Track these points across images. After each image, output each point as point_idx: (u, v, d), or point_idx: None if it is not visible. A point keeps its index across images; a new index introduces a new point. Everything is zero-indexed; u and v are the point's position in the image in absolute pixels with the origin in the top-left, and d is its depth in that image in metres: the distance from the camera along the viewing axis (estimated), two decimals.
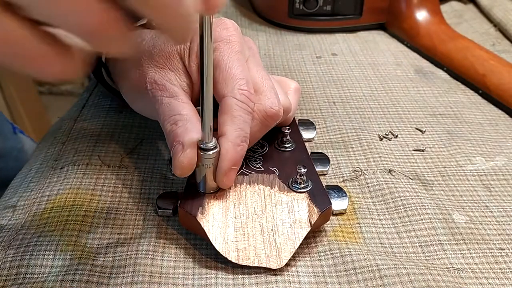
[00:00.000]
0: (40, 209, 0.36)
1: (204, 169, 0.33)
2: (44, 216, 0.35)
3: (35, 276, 0.31)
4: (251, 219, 0.33)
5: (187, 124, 0.32)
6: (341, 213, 0.37)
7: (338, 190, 0.37)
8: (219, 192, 0.34)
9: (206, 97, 0.30)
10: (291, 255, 0.31)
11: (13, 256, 0.32)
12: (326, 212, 0.33)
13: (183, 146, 0.32)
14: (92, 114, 0.47)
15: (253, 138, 0.35)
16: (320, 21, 0.66)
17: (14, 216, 0.36)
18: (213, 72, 0.31)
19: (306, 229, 0.32)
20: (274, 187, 0.35)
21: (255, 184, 0.35)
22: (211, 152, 0.32)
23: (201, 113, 0.31)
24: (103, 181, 0.39)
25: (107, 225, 0.35)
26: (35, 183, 0.40)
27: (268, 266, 0.31)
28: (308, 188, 0.35)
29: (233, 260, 0.31)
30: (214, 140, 0.32)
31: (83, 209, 0.36)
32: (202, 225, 0.32)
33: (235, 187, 0.35)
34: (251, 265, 0.31)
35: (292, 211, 0.33)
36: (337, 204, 0.36)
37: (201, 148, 0.32)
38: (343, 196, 0.37)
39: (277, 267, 0.31)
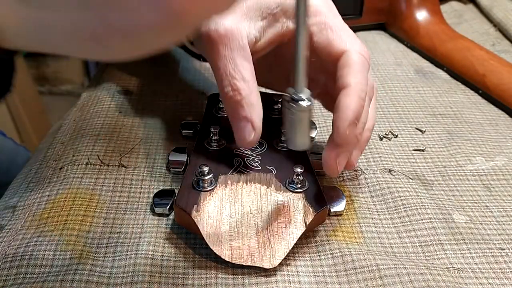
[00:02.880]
0: (40, 209, 0.36)
1: (296, 122, 0.28)
2: (44, 216, 0.35)
3: (35, 276, 0.31)
4: (246, 218, 0.33)
5: (251, 96, 0.32)
6: (338, 214, 0.37)
7: (336, 191, 0.37)
8: (215, 190, 0.34)
9: (302, 43, 0.26)
10: (285, 255, 0.31)
11: (13, 256, 0.32)
12: (321, 213, 0.33)
13: (254, 127, 0.32)
14: (91, 114, 0.47)
15: (374, 112, 0.36)
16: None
17: (14, 216, 0.36)
18: (323, 32, 0.32)
19: (301, 229, 0.32)
20: (271, 187, 0.35)
21: (252, 183, 0.35)
22: (306, 104, 0.28)
23: (295, 60, 0.27)
24: (103, 181, 0.39)
25: (107, 225, 0.35)
26: (35, 183, 0.40)
27: (261, 266, 0.31)
28: (305, 189, 0.34)
29: (226, 259, 0.31)
30: (307, 90, 0.28)
31: (83, 209, 0.36)
32: (196, 223, 0.32)
33: (231, 185, 0.35)
34: (244, 264, 0.31)
35: (288, 211, 0.33)
36: (334, 206, 0.36)
37: (293, 98, 0.28)
38: (341, 198, 0.37)
39: (270, 267, 0.31)
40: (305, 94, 0.28)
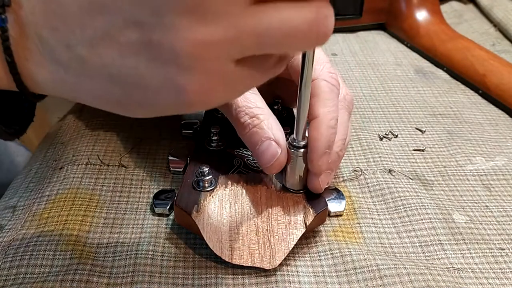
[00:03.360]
0: (40, 209, 0.36)
1: (295, 166, 0.33)
2: (44, 216, 0.35)
3: (35, 276, 0.31)
4: (246, 219, 0.33)
5: (270, 120, 0.32)
6: (338, 215, 0.37)
7: (336, 192, 0.37)
8: (215, 190, 0.34)
9: (304, 97, 0.30)
10: (285, 256, 0.31)
11: (13, 256, 0.32)
12: (321, 214, 0.33)
13: (279, 145, 0.32)
14: (91, 114, 0.47)
15: (347, 128, 0.36)
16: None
17: (14, 216, 0.36)
18: (296, 58, 0.32)
19: (301, 230, 0.32)
20: (271, 187, 0.35)
21: (252, 183, 0.35)
22: (303, 150, 0.32)
23: (297, 112, 0.31)
24: (103, 181, 0.39)
25: (107, 225, 0.35)
26: (35, 183, 0.40)
27: (261, 266, 0.31)
28: (305, 189, 0.34)
29: (227, 259, 0.31)
30: (306, 138, 0.32)
31: (83, 209, 0.36)
32: (197, 223, 0.32)
33: (231, 185, 0.35)
34: (244, 264, 0.31)
35: (288, 212, 0.33)
36: (334, 206, 0.36)
37: (293, 145, 0.32)
38: (341, 198, 0.37)
39: (270, 268, 0.31)
40: (304, 141, 0.32)
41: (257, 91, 0.34)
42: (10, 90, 0.24)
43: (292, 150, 0.32)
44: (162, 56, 0.20)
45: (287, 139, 0.33)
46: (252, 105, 0.33)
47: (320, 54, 0.35)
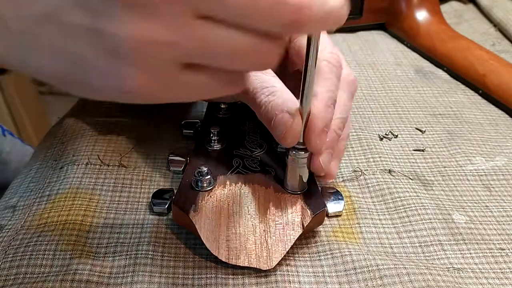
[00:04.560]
0: (39, 209, 0.36)
1: (297, 168, 0.33)
2: (44, 216, 0.35)
3: (35, 276, 0.31)
4: (243, 219, 0.33)
5: (284, 95, 0.32)
6: (337, 215, 0.37)
7: (335, 193, 0.37)
8: (213, 190, 0.34)
9: (306, 98, 0.30)
10: (282, 256, 0.31)
11: (13, 256, 0.32)
12: (319, 215, 0.33)
13: (291, 115, 0.31)
14: (91, 114, 0.47)
15: (347, 108, 0.35)
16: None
17: (14, 216, 0.36)
18: (296, 39, 0.32)
19: (298, 231, 0.32)
20: (269, 188, 0.35)
21: (250, 183, 0.35)
22: (306, 153, 0.32)
23: (300, 112, 0.31)
24: (103, 181, 0.39)
25: (107, 225, 0.35)
26: (34, 183, 0.40)
27: (258, 267, 0.31)
28: (303, 190, 0.34)
29: (223, 259, 0.31)
30: None
31: (83, 209, 0.36)
32: (194, 223, 0.32)
33: (230, 185, 0.35)
34: (241, 264, 0.31)
35: (286, 212, 0.33)
36: (333, 207, 0.36)
37: (296, 148, 0.32)
38: (339, 199, 0.37)
39: (267, 268, 0.31)
40: (304, 144, 0.32)
41: (273, 73, 0.35)
42: None
43: (294, 152, 0.33)
44: (105, 43, 0.20)
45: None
46: (268, 85, 0.33)
47: (323, 36, 0.34)
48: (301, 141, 0.32)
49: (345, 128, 0.37)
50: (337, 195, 0.37)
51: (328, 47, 0.35)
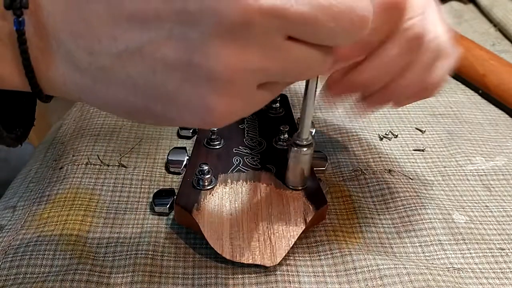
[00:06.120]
0: (40, 209, 0.36)
1: (297, 164, 0.33)
2: (44, 216, 0.35)
3: (35, 276, 0.31)
4: (246, 216, 0.33)
5: None
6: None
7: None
8: (215, 188, 0.34)
9: (310, 93, 0.29)
10: (286, 252, 0.31)
11: (13, 256, 0.32)
12: (321, 211, 0.33)
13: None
14: (91, 114, 0.47)
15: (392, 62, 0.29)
16: None
17: (14, 216, 0.36)
18: None
19: (301, 227, 0.32)
20: (271, 185, 0.35)
21: (252, 181, 0.35)
22: (307, 149, 0.33)
23: (302, 109, 0.31)
24: (103, 181, 0.39)
25: (107, 225, 0.35)
26: (34, 183, 0.40)
27: (262, 264, 0.31)
28: (304, 187, 0.35)
29: (227, 257, 0.31)
30: (310, 137, 0.33)
31: (83, 209, 0.36)
32: (197, 221, 0.32)
33: (231, 184, 0.35)
34: (245, 262, 0.31)
35: (288, 209, 0.33)
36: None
37: (296, 143, 0.32)
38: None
39: (271, 265, 0.31)
40: (307, 140, 0.32)
41: None
42: (10, 93, 0.24)
43: (295, 149, 0.33)
44: (198, 76, 0.20)
45: (289, 138, 0.34)
46: None
47: None
48: (304, 137, 0.32)
49: (407, 76, 0.30)
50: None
51: None
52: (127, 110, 0.22)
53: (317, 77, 0.29)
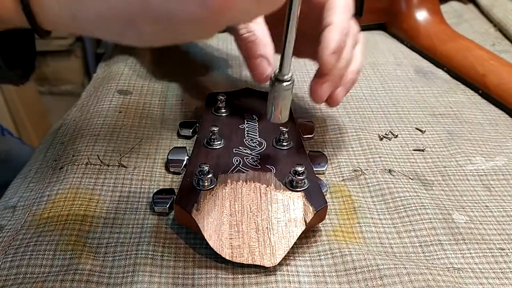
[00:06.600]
0: (39, 209, 0.36)
1: (279, 99, 0.34)
2: (44, 216, 0.35)
3: (35, 276, 0.31)
4: (246, 217, 0.33)
5: (265, 38, 0.36)
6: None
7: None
8: (215, 189, 0.34)
9: (290, 30, 0.30)
10: (285, 253, 0.31)
11: (13, 256, 0.32)
12: (321, 211, 0.33)
13: (269, 62, 0.35)
14: (91, 114, 0.47)
15: (350, 53, 0.37)
16: None
17: (14, 216, 0.36)
18: None
19: (301, 228, 0.32)
20: (270, 185, 0.35)
21: (251, 182, 0.35)
22: (289, 83, 0.33)
23: (282, 45, 0.31)
24: (103, 181, 0.39)
25: (107, 225, 0.35)
26: (34, 183, 0.40)
27: (261, 264, 0.31)
28: (304, 187, 0.35)
29: (227, 257, 0.31)
30: (291, 73, 0.33)
31: (83, 209, 0.36)
32: (197, 222, 0.32)
33: (231, 184, 0.35)
34: (244, 262, 0.31)
35: (288, 209, 0.33)
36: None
37: (277, 79, 0.33)
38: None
39: (271, 265, 0.31)
40: (288, 75, 0.33)
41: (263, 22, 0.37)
42: (9, 32, 0.24)
43: (277, 84, 0.33)
44: None
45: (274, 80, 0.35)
46: (252, 26, 0.36)
47: None
48: (285, 73, 0.33)
49: (353, 64, 0.38)
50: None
51: None
52: (123, 14, 0.21)
53: (296, 17, 0.29)
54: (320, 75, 0.36)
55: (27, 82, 0.28)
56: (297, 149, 0.38)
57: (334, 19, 0.35)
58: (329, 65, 0.35)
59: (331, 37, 0.34)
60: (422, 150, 0.44)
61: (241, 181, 0.35)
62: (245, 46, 0.36)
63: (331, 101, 0.38)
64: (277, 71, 0.33)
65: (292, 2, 0.29)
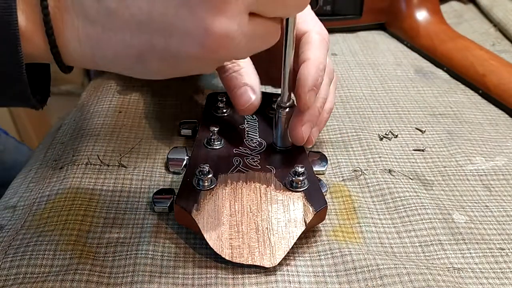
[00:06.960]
0: (40, 209, 0.36)
1: (283, 125, 0.37)
2: (44, 216, 0.35)
3: (35, 276, 0.31)
4: (246, 217, 0.33)
5: (249, 68, 0.36)
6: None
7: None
8: (215, 189, 0.34)
9: (288, 61, 0.32)
10: (285, 253, 0.31)
11: (13, 256, 0.32)
12: (321, 212, 0.33)
13: (254, 91, 0.35)
14: (91, 114, 0.47)
15: (326, 90, 0.38)
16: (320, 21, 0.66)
17: (14, 216, 0.36)
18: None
19: (301, 228, 0.32)
20: (270, 186, 0.35)
21: (251, 182, 0.35)
22: (289, 110, 0.36)
23: (282, 76, 0.34)
24: (103, 181, 0.39)
25: (107, 225, 0.35)
26: (34, 183, 0.40)
27: (261, 264, 0.31)
28: (304, 188, 0.35)
29: (227, 258, 0.31)
30: (291, 99, 0.36)
31: (83, 209, 0.36)
32: (197, 222, 0.32)
33: (231, 184, 0.35)
34: (244, 262, 0.31)
35: (288, 210, 0.33)
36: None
37: (279, 106, 0.36)
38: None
39: (271, 266, 0.31)
40: (290, 102, 0.36)
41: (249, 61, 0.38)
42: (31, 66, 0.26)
43: (281, 111, 0.36)
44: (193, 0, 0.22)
45: (275, 102, 0.37)
46: (237, 62, 0.36)
47: (312, 13, 0.39)
48: (285, 100, 0.35)
49: (327, 104, 0.39)
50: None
51: (319, 24, 0.38)
52: (135, 53, 0.25)
53: (293, 35, 0.32)
54: (298, 113, 0.36)
55: (46, 106, 0.30)
56: (297, 150, 0.38)
57: (310, 55, 0.35)
58: (308, 103, 0.35)
59: (308, 74, 0.34)
60: (422, 150, 0.44)
61: (241, 181, 0.35)
62: (229, 77, 0.36)
63: (307, 142, 0.37)
64: (279, 98, 0.36)
65: (287, 42, 0.32)
